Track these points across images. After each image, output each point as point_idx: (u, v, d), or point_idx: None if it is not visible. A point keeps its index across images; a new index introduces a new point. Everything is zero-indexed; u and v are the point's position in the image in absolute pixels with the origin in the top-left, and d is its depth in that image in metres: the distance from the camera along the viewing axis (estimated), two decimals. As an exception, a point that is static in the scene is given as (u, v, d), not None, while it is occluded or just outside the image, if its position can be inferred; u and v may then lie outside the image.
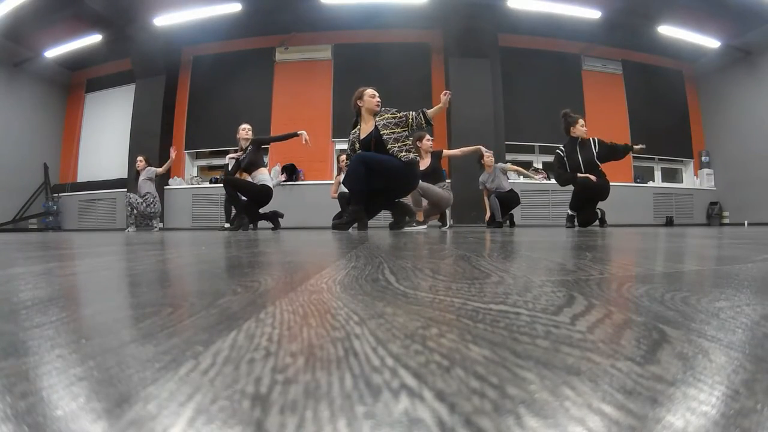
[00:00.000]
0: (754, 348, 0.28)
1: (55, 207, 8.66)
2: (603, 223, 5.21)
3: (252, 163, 5.33)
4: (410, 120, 4.09)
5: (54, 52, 8.33)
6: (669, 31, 7.85)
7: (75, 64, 8.93)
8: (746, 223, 7.97)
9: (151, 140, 8.19)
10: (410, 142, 4.16)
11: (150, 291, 0.55)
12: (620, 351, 0.27)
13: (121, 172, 8.36)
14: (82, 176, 9.08)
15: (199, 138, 8.56)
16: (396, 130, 4.07)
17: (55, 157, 9.26)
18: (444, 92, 4.44)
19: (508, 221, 6.05)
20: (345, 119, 7.70)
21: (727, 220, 8.50)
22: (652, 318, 0.36)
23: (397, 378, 0.22)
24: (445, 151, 5.70)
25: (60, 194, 8.82)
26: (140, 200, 6.44)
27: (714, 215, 8.49)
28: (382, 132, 4.04)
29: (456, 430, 0.16)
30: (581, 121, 5.14)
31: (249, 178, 5.33)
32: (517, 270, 0.75)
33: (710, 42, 8.08)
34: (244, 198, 5.28)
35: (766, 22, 7.22)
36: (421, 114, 4.10)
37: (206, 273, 0.81)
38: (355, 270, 0.74)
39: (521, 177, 6.90)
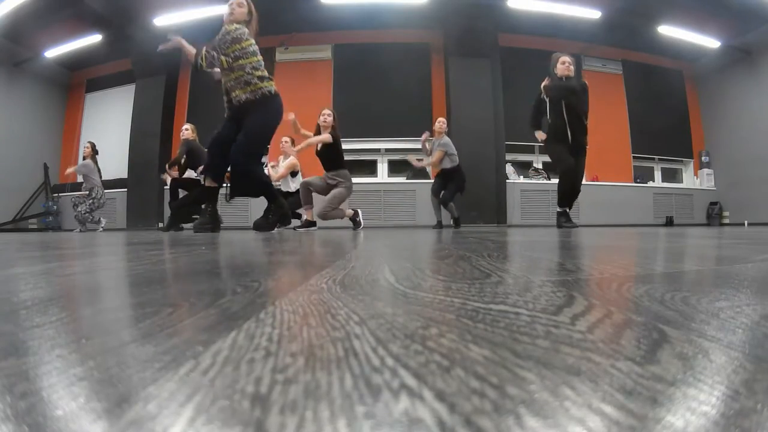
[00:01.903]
0: (754, 348, 0.28)
1: (55, 207, 8.66)
2: (568, 221, 4.70)
3: (195, 164, 5.35)
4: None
5: (54, 52, 8.32)
6: (669, 31, 7.85)
7: (75, 64, 8.93)
8: (746, 223, 7.97)
9: (151, 140, 8.18)
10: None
11: (150, 291, 0.55)
12: (620, 351, 0.27)
13: (121, 172, 8.36)
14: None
15: (200, 138, 8.55)
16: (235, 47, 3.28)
17: (55, 157, 9.25)
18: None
19: (452, 221, 5.60)
20: (346, 119, 7.71)
21: (727, 220, 8.50)
22: (652, 318, 0.36)
23: (397, 378, 0.22)
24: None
25: (60, 194, 8.81)
26: (80, 197, 6.42)
27: (714, 215, 8.49)
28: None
29: (456, 430, 0.16)
30: (562, 59, 4.56)
31: (196, 174, 5.35)
32: (517, 270, 0.75)
33: (710, 42, 8.08)
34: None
35: (766, 22, 7.22)
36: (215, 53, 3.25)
37: (206, 273, 0.81)
38: (355, 270, 0.74)
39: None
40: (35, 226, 8.67)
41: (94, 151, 6.60)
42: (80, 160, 6.68)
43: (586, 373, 0.23)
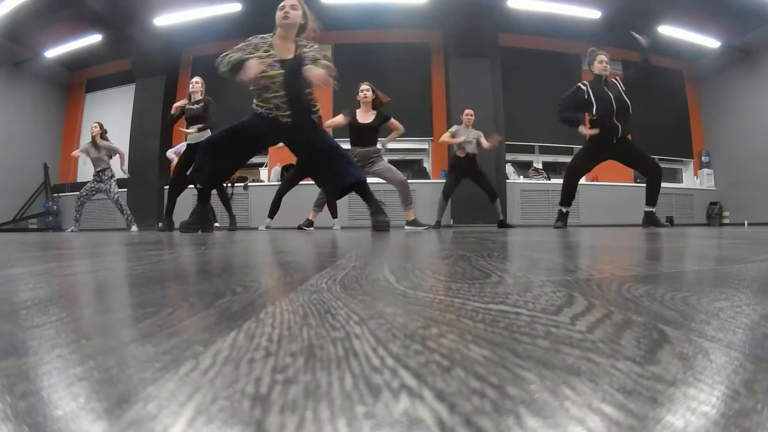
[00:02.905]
0: (754, 348, 0.28)
1: (55, 207, 8.66)
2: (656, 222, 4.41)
3: (199, 119, 5.22)
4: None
5: (54, 52, 8.33)
6: (669, 31, 7.85)
7: (75, 64, 8.93)
8: (746, 223, 7.97)
9: (151, 140, 8.19)
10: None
11: (150, 291, 0.55)
12: (620, 351, 0.27)
13: (121, 172, 8.37)
14: (82, 176, 9.08)
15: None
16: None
17: (55, 157, 9.26)
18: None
19: (500, 221, 5.65)
20: (345, 119, 7.71)
21: (727, 220, 8.50)
22: (652, 318, 0.36)
23: (397, 378, 0.22)
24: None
25: (60, 194, 8.82)
26: (92, 185, 6.27)
27: (714, 215, 8.49)
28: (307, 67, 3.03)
29: (456, 430, 0.16)
30: (600, 57, 4.35)
31: (187, 131, 5.23)
32: (517, 270, 0.75)
33: (710, 42, 8.08)
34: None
35: (766, 22, 7.23)
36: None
37: (206, 273, 0.81)
38: (355, 270, 0.74)
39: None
40: (35, 226, 8.68)
41: (103, 130, 6.45)
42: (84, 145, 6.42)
43: (586, 373, 0.23)
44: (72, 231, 6.09)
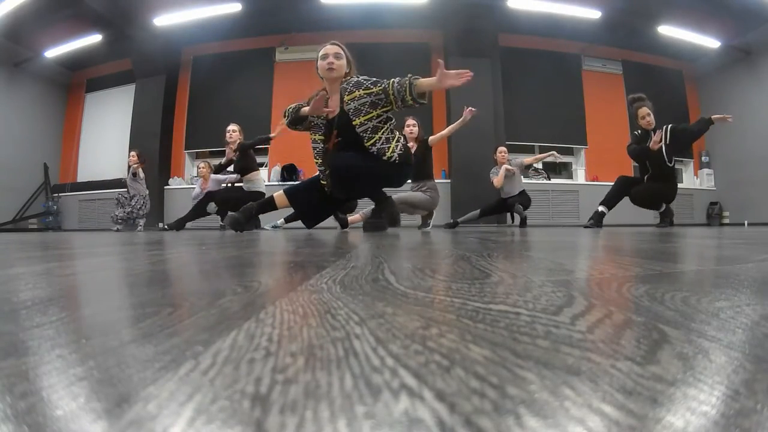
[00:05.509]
0: (754, 348, 0.28)
1: (55, 207, 8.66)
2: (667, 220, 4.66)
3: (244, 168, 5.33)
4: (392, 96, 2.85)
5: (54, 52, 8.33)
6: (669, 31, 7.85)
7: (75, 64, 8.93)
8: (746, 223, 7.97)
9: (151, 140, 8.19)
10: (391, 126, 3.07)
11: (150, 291, 0.55)
12: (620, 351, 0.27)
13: (121, 172, 8.36)
14: (82, 176, 9.09)
15: (199, 138, 8.56)
16: (373, 113, 2.92)
17: (55, 157, 9.25)
18: (469, 109, 4.11)
19: (517, 220, 5.82)
20: (345, 119, 7.68)
21: (727, 220, 8.50)
22: (652, 318, 0.36)
23: (397, 378, 0.22)
24: (432, 138, 4.57)
25: (60, 194, 8.82)
26: (127, 198, 6.32)
27: (714, 215, 8.49)
28: (355, 121, 2.91)
29: (456, 430, 0.16)
30: (641, 111, 4.29)
31: (242, 182, 5.37)
32: (517, 270, 0.75)
33: (710, 42, 8.08)
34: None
35: (766, 22, 7.23)
36: (407, 85, 2.84)
37: (206, 273, 0.81)
38: (355, 270, 0.74)
39: (539, 163, 6.21)
40: (35, 226, 8.67)
41: (140, 159, 6.42)
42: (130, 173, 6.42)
43: (586, 373, 0.23)
44: (139, 230, 6.10)
